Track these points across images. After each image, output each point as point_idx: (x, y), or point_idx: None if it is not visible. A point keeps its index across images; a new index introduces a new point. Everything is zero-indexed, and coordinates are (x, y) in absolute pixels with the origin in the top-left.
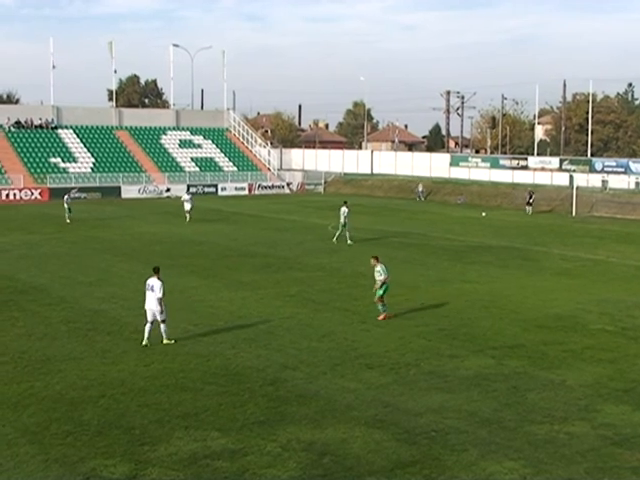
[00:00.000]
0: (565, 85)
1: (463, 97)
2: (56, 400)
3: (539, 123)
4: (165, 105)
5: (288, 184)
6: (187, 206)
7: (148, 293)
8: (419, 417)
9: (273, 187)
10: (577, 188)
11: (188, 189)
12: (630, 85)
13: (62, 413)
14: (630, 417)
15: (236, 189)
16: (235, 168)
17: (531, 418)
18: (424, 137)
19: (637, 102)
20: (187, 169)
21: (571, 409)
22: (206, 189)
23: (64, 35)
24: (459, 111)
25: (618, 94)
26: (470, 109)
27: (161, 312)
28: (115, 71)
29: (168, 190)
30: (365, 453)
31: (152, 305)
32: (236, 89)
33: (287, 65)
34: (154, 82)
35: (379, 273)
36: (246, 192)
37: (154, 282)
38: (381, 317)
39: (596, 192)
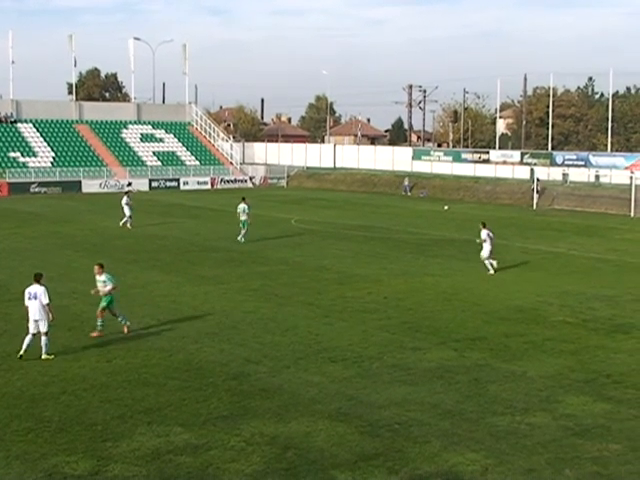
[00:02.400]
0: (526, 79)
1: (425, 91)
2: (17, 397)
3: (500, 117)
4: (126, 99)
5: (251, 178)
6: (127, 211)
7: (30, 302)
8: (382, 410)
9: (236, 181)
10: (538, 181)
11: (128, 190)
12: (590, 79)
13: (23, 410)
14: (591, 408)
15: (198, 183)
16: (197, 162)
17: (493, 409)
18: (387, 131)
19: (597, 96)
20: (149, 163)
21: (532, 400)
22: (168, 183)
23: (24, 28)
24: (421, 105)
25: (578, 88)
26: (432, 103)
27: (45, 321)
28: (75, 64)
29: (129, 184)
30: (329, 446)
31: (36, 315)
32: (198, 83)
33: (250, 59)
34: (114, 76)
35: (104, 283)
36: (209, 186)
37: (36, 289)
38: (95, 334)
39: (557, 185)
